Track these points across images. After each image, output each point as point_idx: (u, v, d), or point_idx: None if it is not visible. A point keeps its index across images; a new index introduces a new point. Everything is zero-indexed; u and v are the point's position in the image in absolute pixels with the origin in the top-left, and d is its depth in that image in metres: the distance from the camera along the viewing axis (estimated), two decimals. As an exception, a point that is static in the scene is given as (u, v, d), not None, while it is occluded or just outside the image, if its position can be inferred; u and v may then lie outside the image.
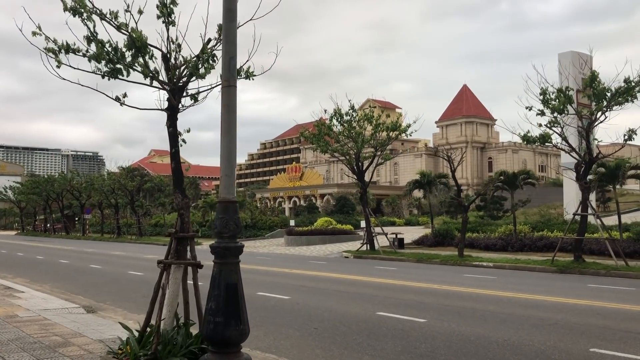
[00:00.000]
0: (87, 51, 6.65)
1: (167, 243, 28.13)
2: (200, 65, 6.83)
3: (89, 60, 6.73)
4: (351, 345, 8.12)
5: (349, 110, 26.57)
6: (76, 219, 69.71)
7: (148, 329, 6.71)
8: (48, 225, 71.05)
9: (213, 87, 7.38)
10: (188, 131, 7.23)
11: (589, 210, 20.06)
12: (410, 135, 27.41)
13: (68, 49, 6.55)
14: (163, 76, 7.08)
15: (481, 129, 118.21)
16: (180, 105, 7.23)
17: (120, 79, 7.01)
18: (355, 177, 27.52)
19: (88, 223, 60.23)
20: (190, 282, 6.92)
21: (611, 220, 30.01)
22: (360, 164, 26.96)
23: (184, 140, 7.12)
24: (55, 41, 6.51)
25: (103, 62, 6.84)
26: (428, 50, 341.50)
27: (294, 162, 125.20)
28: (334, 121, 26.41)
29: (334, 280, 16.74)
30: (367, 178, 28.00)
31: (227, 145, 5.99)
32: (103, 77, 7.01)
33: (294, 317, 10.33)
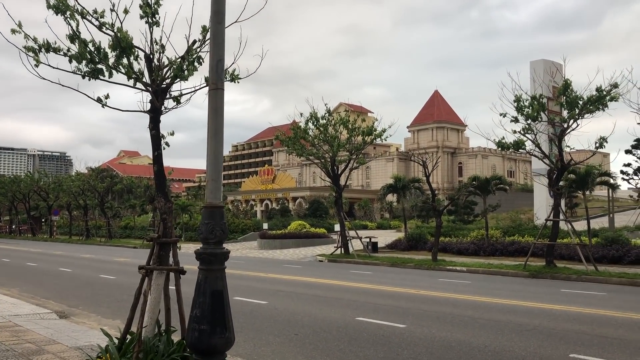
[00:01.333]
0: (68, 50, 6.46)
1: (137, 246, 28.17)
2: (185, 67, 6.69)
3: (70, 60, 6.54)
4: (333, 351, 8.06)
5: (325, 114, 26.57)
6: (43, 220, 68.12)
7: (128, 337, 6.53)
8: (13, 226, 69.28)
9: (197, 90, 7.26)
10: (172, 134, 7.08)
11: (560, 216, 20.39)
12: (385, 140, 27.53)
13: (48, 47, 6.35)
14: (146, 77, 6.93)
15: (452, 134, 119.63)
16: (163, 108, 7.09)
17: (101, 79, 6.83)
18: (331, 181, 27.51)
19: (56, 225, 58.88)
20: (172, 288, 6.77)
21: (578, 226, 30.58)
22: (335, 167, 26.98)
23: (167, 144, 6.96)
24: (35, 39, 6.30)
25: (84, 62, 6.67)
26: (399, 55, 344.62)
27: (266, 165, 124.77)
28: (310, 124, 26.36)
29: (310, 284, 16.66)
30: (342, 182, 28.02)
31: (214, 149, 5.87)
32: (83, 77, 6.81)
33: (273, 323, 10.23)
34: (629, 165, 39.11)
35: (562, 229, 23.48)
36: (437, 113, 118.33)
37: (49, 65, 6.59)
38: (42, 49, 6.35)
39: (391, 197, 63.95)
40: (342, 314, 11.19)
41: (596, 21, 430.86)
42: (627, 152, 38.83)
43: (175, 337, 6.67)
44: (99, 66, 6.72)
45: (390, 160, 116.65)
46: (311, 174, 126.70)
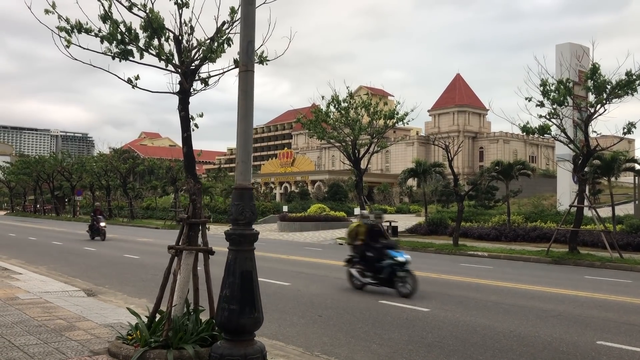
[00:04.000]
0: (99, 31, 6.50)
1: (159, 226, 28.47)
2: (215, 48, 6.69)
3: (101, 41, 6.58)
4: (357, 333, 8.11)
5: (347, 97, 26.41)
6: (66, 200, 69.20)
7: (157, 315, 6.64)
8: (38, 206, 70.51)
9: (225, 71, 7.26)
10: (201, 116, 7.12)
11: (585, 202, 20.14)
12: (407, 124, 27.32)
13: (80, 28, 6.39)
14: (175, 59, 6.95)
15: (473, 119, 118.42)
16: (191, 89, 7.12)
17: (131, 60, 6.87)
18: (351, 165, 27.43)
19: (79, 205, 59.78)
20: (200, 268, 6.85)
21: (602, 212, 30.11)
22: (356, 151, 26.87)
23: (196, 125, 6.99)
24: (67, 20, 6.35)
25: (114, 43, 6.70)
26: (420, 38, 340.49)
27: (285, 148, 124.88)
28: (332, 107, 26.24)
29: (332, 267, 16.72)
30: (362, 166, 27.94)
31: (244, 131, 5.90)
32: (114, 58, 6.86)
33: (297, 304, 10.31)
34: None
35: (585, 216, 23.19)
36: (458, 97, 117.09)
37: (80, 46, 6.64)
38: (74, 30, 6.39)
39: (411, 182, 63.72)
40: (365, 296, 11.23)
41: (623, 3, 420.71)
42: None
43: (203, 317, 6.76)
44: (129, 47, 6.76)
45: (411, 145, 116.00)
46: (330, 158, 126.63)
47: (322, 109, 26.23)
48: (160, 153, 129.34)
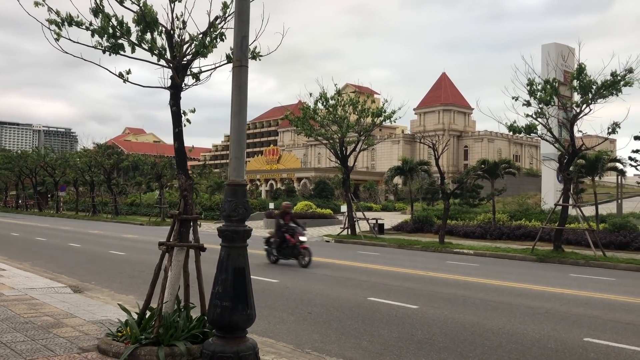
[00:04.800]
0: (90, 24, 6.42)
1: (144, 223, 28.20)
2: (208, 43, 6.64)
3: (92, 35, 6.50)
4: (348, 330, 8.12)
5: (334, 94, 26.44)
6: (49, 195, 68.42)
7: (148, 312, 6.59)
8: (20, 201, 69.62)
9: (217, 67, 7.23)
10: (193, 111, 7.05)
11: (570, 201, 20.35)
12: (394, 122, 27.40)
13: (71, 21, 6.31)
14: (167, 54, 6.90)
15: (458, 117, 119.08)
16: (183, 84, 7.07)
17: (122, 54, 6.80)
18: (339, 162, 27.47)
19: (62, 200, 59.12)
20: (191, 265, 6.80)
21: (584, 211, 30.48)
22: (344, 149, 26.91)
23: (188, 120, 6.94)
24: (58, 12, 6.26)
25: (105, 37, 6.63)
26: (406, 36, 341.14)
27: (271, 145, 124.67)
28: (319, 105, 26.23)
29: (319, 264, 16.70)
30: (349, 163, 27.98)
31: (238, 127, 5.87)
32: (104, 52, 6.78)
33: (286, 301, 10.30)
34: (637, 151, 38.79)
35: (569, 214, 23.44)
36: (444, 96, 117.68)
37: (70, 39, 6.55)
38: (65, 23, 6.31)
39: (397, 180, 63.98)
40: (353, 293, 11.25)
41: (606, 5, 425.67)
42: (637, 138, 38.47)
43: (194, 314, 6.73)
44: (120, 41, 6.68)
45: (396, 143, 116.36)
46: (316, 155, 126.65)
47: (309, 106, 26.21)
48: (144, 149, 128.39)
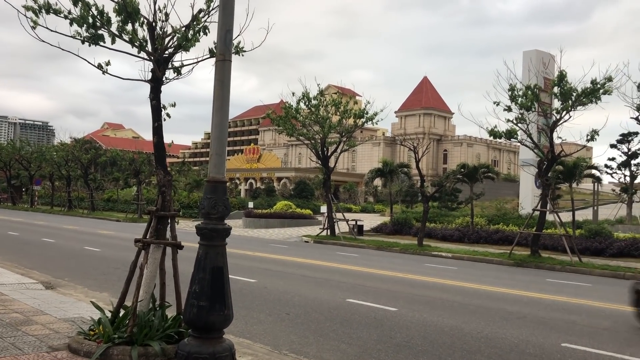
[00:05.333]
0: (69, 13, 6.22)
1: (120, 219, 27.90)
2: (191, 36, 6.49)
3: (71, 23, 6.31)
4: (326, 332, 8.01)
5: (317, 94, 26.35)
6: (24, 189, 67.17)
7: (122, 310, 6.41)
8: (-7, 195, 68.23)
9: (200, 61, 7.08)
10: (173, 105, 6.90)
11: (548, 207, 20.52)
12: (377, 124, 27.41)
13: (49, 8, 6.10)
14: (148, 46, 6.73)
15: (439, 121, 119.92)
16: (164, 78, 6.90)
17: (101, 46, 6.61)
18: (320, 162, 27.38)
19: (37, 194, 58.06)
20: (167, 263, 6.64)
21: (560, 217, 30.92)
22: (325, 149, 26.83)
23: (168, 115, 6.78)
24: (35, -1, 6.05)
25: (84, 26, 6.43)
26: (389, 39, 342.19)
27: (252, 144, 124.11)
28: (302, 104, 26.12)
29: (298, 264, 16.62)
30: (330, 164, 27.92)
31: (220, 123, 5.74)
32: (83, 42, 6.58)
33: (264, 302, 10.16)
34: (613, 159, 39.46)
35: (546, 220, 23.63)
36: (425, 99, 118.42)
37: (47, 28, 6.34)
38: (42, 10, 6.10)
39: (377, 182, 64.11)
40: (332, 295, 11.15)
41: (585, 15, 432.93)
42: (612, 146, 39.12)
43: (169, 313, 6.57)
44: (100, 32, 6.50)
45: (377, 145, 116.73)
46: (297, 155, 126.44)
47: (292, 105, 26.08)
48: (123, 144, 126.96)
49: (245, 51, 7.17)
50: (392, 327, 8.47)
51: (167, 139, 6.91)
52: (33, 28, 6.29)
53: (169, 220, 6.48)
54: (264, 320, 8.71)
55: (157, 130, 6.67)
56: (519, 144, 22.88)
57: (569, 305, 11.02)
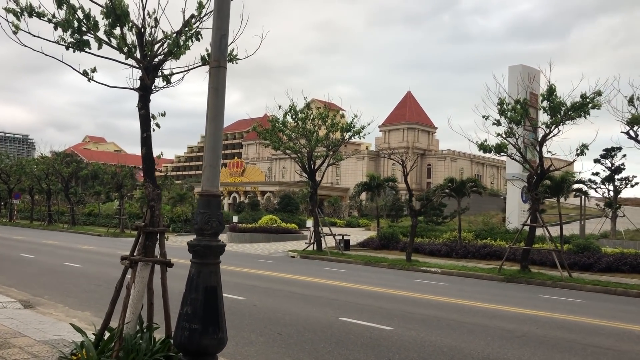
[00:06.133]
0: (53, 16, 5.87)
1: (102, 234, 27.26)
2: (182, 42, 6.16)
3: (55, 27, 5.95)
4: (321, 354, 7.65)
5: (304, 107, 26.11)
6: (2, 203, 65.79)
7: (107, 333, 5.99)
8: (-30, 208, 66.70)
9: (191, 68, 6.75)
10: (163, 115, 6.55)
11: (537, 221, 20.38)
12: (363, 137, 27.19)
13: (32, 11, 5.75)
14: (137, 53, 6.39)
15: (422, 136, 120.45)
16: (153, 86, 6.56)
17: (87, 52, 6.26)
18: (306, 176, 27.06)
19: (16, 209, 56.84)
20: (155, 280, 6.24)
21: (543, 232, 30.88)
22: (312, 163, 26.53)
23: (157, 125, 6.43)
24: (17, 1, 5.69)
25: (69, 31, 6.08)
26: (371, 55, 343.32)
27: (235, 157, 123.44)
28: (288, 117, 25.85)
29: (286, 281, 16.22)
30: (317, 178, 27.61)
31: (214, 133, 5.42)
32: (67, 48, 6.23)
33: (254, 320, 9.76)
34: (597, 174, 39.69)
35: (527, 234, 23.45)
36: (408, 114, 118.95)
37: (30, 33, 5.97)
38: (25, 12, 5.74)
39: (362, 196, 63.87)
40: (324, 313, 10.78)
41: (564, 32, 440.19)
42: (596, 161, 39.37)
43: (157, 334, 6.18)
44: (86, 37, 6.15)
45: (361, 159, 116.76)
46: (281, 169, 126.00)
47: (278, 119, 25.79)
48: (104, 158, 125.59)
49: (239, 59, 6.87)
50: (389, 347, 8.13)
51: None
52: (15, 33, 5.94)
53: (158, 237, 6.11)
54: (255, 340, 8.32)
55: (146, 141, 6.32)
56: (503, 159, 22.83)
57: (566, 323, 10.76)
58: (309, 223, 35.90)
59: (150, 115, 6.38)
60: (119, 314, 5.92)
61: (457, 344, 8.46)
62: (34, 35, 6.00)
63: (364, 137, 27.10)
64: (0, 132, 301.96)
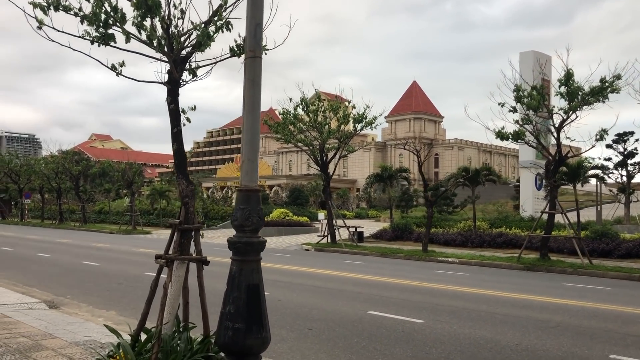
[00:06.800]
0: (80, 10, 5.69)
1: (114, 231, 27.12)
2: (213, 33, 5.98)
3: (82, 21, 5.78)
4: (356, 349, 7.49)
5: (315, 99, 25.88)
6: (13, 203, 65.98)
7: (143, 334, 5.85)
8: (-19, 209, 66.94)
9: (218, 60, 6.56)
10: (193, 109, 6.37)
11: (557, 208, 20.13)
12: (375, 128, 26.96)
13: (58, 5, 5.57)
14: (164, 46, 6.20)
15: (429, 126, 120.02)
16: (180, 80, 6.39)
17: (112, 46, 6.09)
18: (319, 169, 26.88)
19: (27, 208, 56.97)
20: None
21: (560, 218, 30.59)
22: (324, 155, 26.34)
23: (188, 119, 6.25)
24: (43, -5, 5.52)
25: (94, 25, 5.91)
26: (373, 45, 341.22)
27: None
28: (299, 110, 25.64)
29: (306, 274, 16.08)
30: (329, 170, 27.43)
31: (251, 126, 5.24)
32: (92, 42, 6.06)
33: (281, 316, 9.61)
34: (609, 159, 39.30)
35: (544, 221, 23.20)
36: (415, 104, 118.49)
37: (54, 27, 5.81)
38: (51, 6, 5.57)
39: (372, 187, 63.60)
40: (351, 307, 10.62)
41: (567, 18, 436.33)
42: (608, 146, 38.97)
43: (193, 334, 6.03)
44: (111, 31, 5.97)
45: (368, 150, 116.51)
46: (287, 162, 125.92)
47: (290, 111, 25.59)
48: (111, 155, 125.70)
49: (268, 49, 6.66)
50: (424, 341, 7.96)
51: (155, 149, 6.44)
52: (39, 28, 5.78)
53: (193, 234, 5.95)
54: (287, 337, 8.17)
55: (177, 136, 6.15)
56: (512, 146, 22.46)
57: (599, 312, 10.56)
58: (321, 216, 35.80)
59: (181, 110, 6.21)
60: (146, 313, 5.81)
61: (493, 336, 8.29)
62: (59, 31, 5.85)
63: (375, 128, 26.89)
64: (7, 132, 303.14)
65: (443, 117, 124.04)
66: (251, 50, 5.24)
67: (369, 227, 39.00)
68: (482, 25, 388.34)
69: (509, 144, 22.73)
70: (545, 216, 20.68)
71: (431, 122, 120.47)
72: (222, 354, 5.31)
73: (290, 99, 25.54)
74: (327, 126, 25.50)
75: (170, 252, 5.86)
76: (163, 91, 6.40)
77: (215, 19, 6.09)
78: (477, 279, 15.75)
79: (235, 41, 6.42)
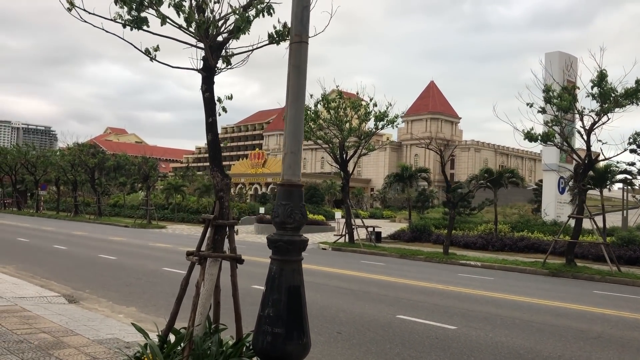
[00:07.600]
0: (114, -9, 5.36)
1: (129, 225, 26.78)
2: (252, 17, 5.62)
3: (116, 3, 5.46)
4: (390, 356, 7.11)
5: (336, 96, 25.49)
6: (29, 194, 66.32)
7: (171, 335, 5.51)
8: (-3, 199, 67.34)
9: (255, 48, 6.19)
10: (230, 98, 6.02)
11: (584, 213, 19.57)
12: (397, 127, 26.51)
13: (91, -16, 5.24)
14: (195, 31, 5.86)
15: (445, 126, 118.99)
16: (216, 67, 6.04)
17: (145, 30, 5.76)
18: (338, 167, 26.49)
19: (43, 199, 57.16)
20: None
21: (585, 223, 29.94)
22: (344, 153, 25.94)
23: (223, 109, 5.91)
24: (77, -25, 5.20)
25: (127, 7, 5.58)
26: (390, 45, 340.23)
27: (256, 149, 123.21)
28: (320, 107, 25.25)
29: (327, 274, 15.71)
30: (349, 168, 27.03)
31: (295, 116, 4.88)
32: (124, 26, 5.73)
33: (308, 318, 9.23)
34: (633, 164, 38.43)
35: (569, 226, 22.66)
36: (432, 104, 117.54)
37: (85, 10, 5.51)
38: (83, -14, 5.25)
39: (390, 186, 63.06)
40: (378, 310, 10.24)
41: (587, 20, 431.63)
42: (632, 151, 38.10)
43: (223, 336, 5.69)
44: (144, 14, 5.64)
45: (383, 150, 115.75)
46: (302, 160, 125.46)
47: (310, 108, 25.20)
48: (126, 149, 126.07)
49: (309, 37, 6.29)
50: (460, 349, 7.55)
51: (169, 144, 6.12)
52: (69, 10, 5.47)
53: (228, 230, 5.60)
54: (316, 340, 7.78)
55: (212, 126, 5.80)
56: (533, 149, 21.90)
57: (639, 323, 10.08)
58: (337, 215, 35.40)
59: (216, 99, 5.87)
60: (179, 313, 5.47)
61: (532, 345, 7.87)
62: (90, 13, 5.55)
63: (397, 126, 26.44)
64: (24, 124, 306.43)
65: (460, 118, 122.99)
66: (297, 35, 4.88)
67: (386, 227, 38.53)
68: (500, 26, 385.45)
69: (532, 146, 22.22)
70: (572, 220, 20.09)
71: (448, 122, 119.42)
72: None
73: (311, 95, 25.20)
74: (347, 123, 25.09)
75: (203, 248, 5.52)
76: (180, 86, 6.09)
77: (255, 2, 5.74)
78: (503, 284, 15.28)
79: (275, 27, 6.06)
